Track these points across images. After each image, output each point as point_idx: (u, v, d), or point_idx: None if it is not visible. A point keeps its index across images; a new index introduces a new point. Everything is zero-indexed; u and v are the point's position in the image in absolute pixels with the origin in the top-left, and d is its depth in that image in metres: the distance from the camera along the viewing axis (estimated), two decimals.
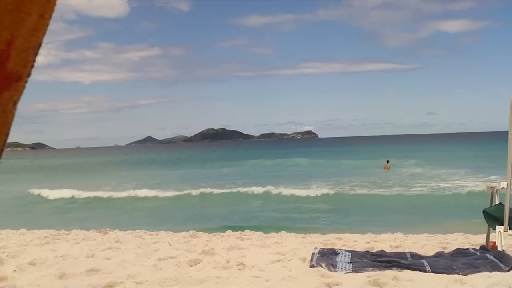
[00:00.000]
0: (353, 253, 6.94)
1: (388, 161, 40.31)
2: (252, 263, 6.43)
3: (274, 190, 24.79)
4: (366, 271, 5.77)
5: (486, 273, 5.54)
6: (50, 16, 0.76)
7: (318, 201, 21.65)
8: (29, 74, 0.78)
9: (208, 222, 16.28)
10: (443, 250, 7.54)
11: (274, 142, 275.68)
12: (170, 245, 8.74)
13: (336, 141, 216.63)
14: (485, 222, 7.26)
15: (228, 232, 11.47)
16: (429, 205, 19.98)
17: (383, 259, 6.42)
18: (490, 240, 7.27)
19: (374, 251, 7.53)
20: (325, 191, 24.14)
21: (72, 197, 25.61)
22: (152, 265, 6.45)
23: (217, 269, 6.15)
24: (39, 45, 0.78)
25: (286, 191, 24.26)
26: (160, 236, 10.91)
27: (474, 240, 8.94)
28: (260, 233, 11.34)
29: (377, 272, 5.60)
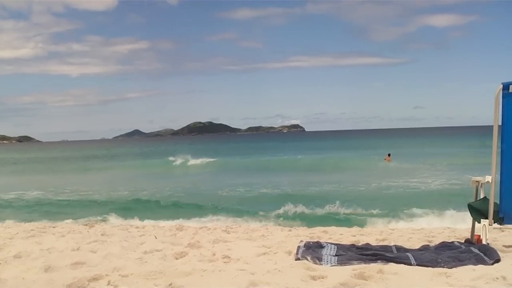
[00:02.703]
0: (339, 246, 6.96)
1: (389, 154, 40.73)
2: (237, 256, 6.43)
3: None
4: (351, 264, 5.79)
5: (471, 266, 5.57)
6: None
7: None
8: None
9: None
10: (429, 244, 7.57)
11: (260, 136, 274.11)
12: (156, 238, 8.74)
13: (321, 135, 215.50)
14: (470, 215, 7.29)
15: (215, 225, 11.50)
16: (414, 199, 20.06)
17: (368, 252, 6.44)
18: (475, 233, 7.30)
19: (359, 244, 7.55)
20: None
21: None
22: (138, 258, 6.44)
23: (202, 262, 6.15)
24: None
25: None
26: (146, 229, 10.92)
27: (459, 234, 8.99)
28: (246, 226, 11.39)
29: (363, 265, 5.61)
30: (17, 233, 9.73)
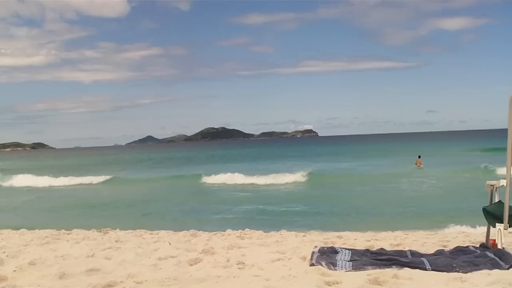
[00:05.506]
0: (353, 252, 6.94)
1: (419, 156, 39.27)
2: (252, 262, 6.43)
3: None
4: (366, 269, 5.76)
5: (486, 271, 5.53)
6: None
7: None
8: None
9: None
10: (443, 248, 7.55)
11: (272, 141, 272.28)
12: (170, 244, 8.75)
13: (335, 139, 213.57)
14: (485, 220, 7.25)
15: (228, 231, 11.49)
16: (428, 203, 19.98)
17: (383, 257, 6.41)
18: (490, 238, 7.26)
19: (374, 249, 7.53)
20: None
21: None
22: (152, 264, 6.45)
23: (217, 268, 6.15)
24: None
25: None
26: (160, 236, 10.93)
27: (474, 238, 8.96)
28: (260, 231, 11.37)
29: (377, 271, 5.59)
30: (32, 240, 9.77)
